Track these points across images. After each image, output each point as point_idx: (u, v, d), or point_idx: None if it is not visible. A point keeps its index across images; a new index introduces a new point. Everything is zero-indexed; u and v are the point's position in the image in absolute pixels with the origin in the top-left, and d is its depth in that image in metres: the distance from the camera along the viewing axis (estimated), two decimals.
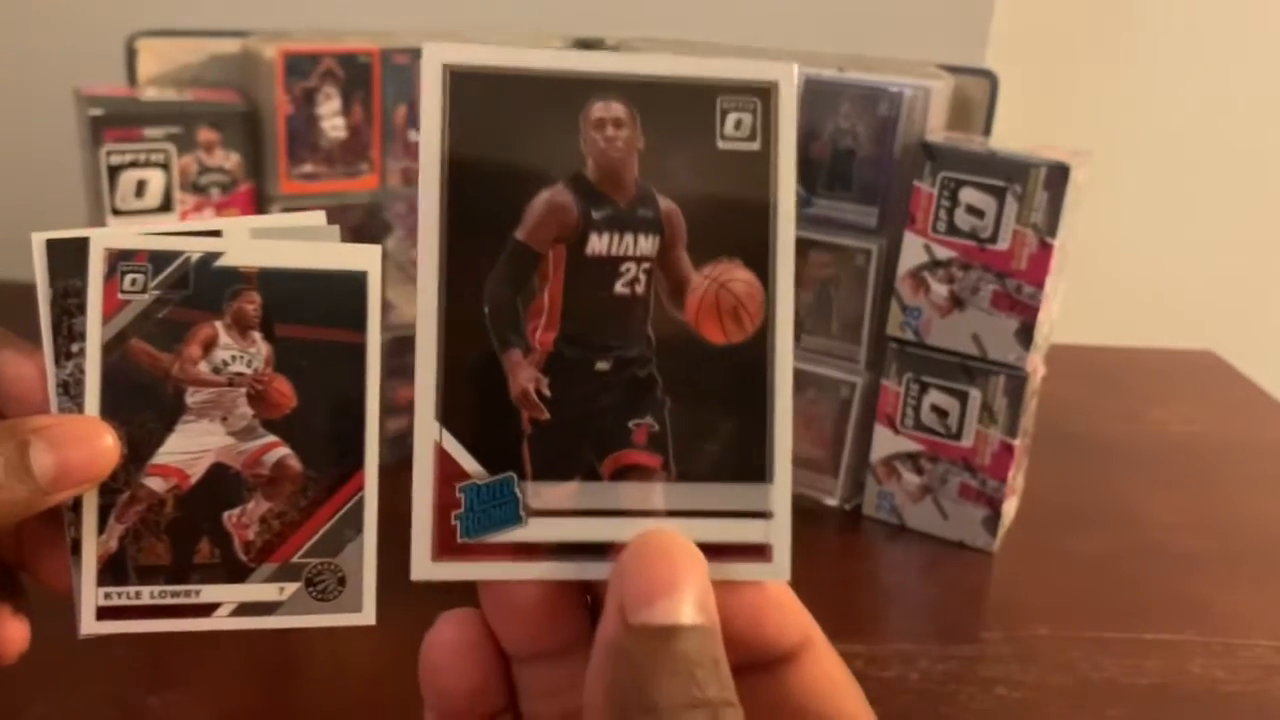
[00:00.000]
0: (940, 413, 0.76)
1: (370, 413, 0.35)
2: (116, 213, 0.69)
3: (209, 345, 0.34)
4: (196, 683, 0.59)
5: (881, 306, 0.77)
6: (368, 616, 0.38)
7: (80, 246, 0.33)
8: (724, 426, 0.25)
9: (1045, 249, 0.70)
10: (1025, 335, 0.72)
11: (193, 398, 0.35)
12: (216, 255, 0.34)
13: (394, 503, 0.85)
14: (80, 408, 0.34)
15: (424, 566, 0.27)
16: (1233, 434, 1.01)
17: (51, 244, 0.34)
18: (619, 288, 0.25)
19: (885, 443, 0.78)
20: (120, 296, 0.34)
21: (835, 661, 0.29)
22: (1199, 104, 1.30)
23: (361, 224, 0.77)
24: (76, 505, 0.34)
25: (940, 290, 0.74)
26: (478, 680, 0.29)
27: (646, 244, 0.25)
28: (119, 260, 0.34)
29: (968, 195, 0.71)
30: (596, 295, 0.25)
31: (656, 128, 0.24)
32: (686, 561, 0.24)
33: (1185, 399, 1.08)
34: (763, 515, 0.26)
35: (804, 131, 0.76)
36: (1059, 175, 0.69)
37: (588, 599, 0.28)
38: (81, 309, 0.34)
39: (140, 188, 0.70)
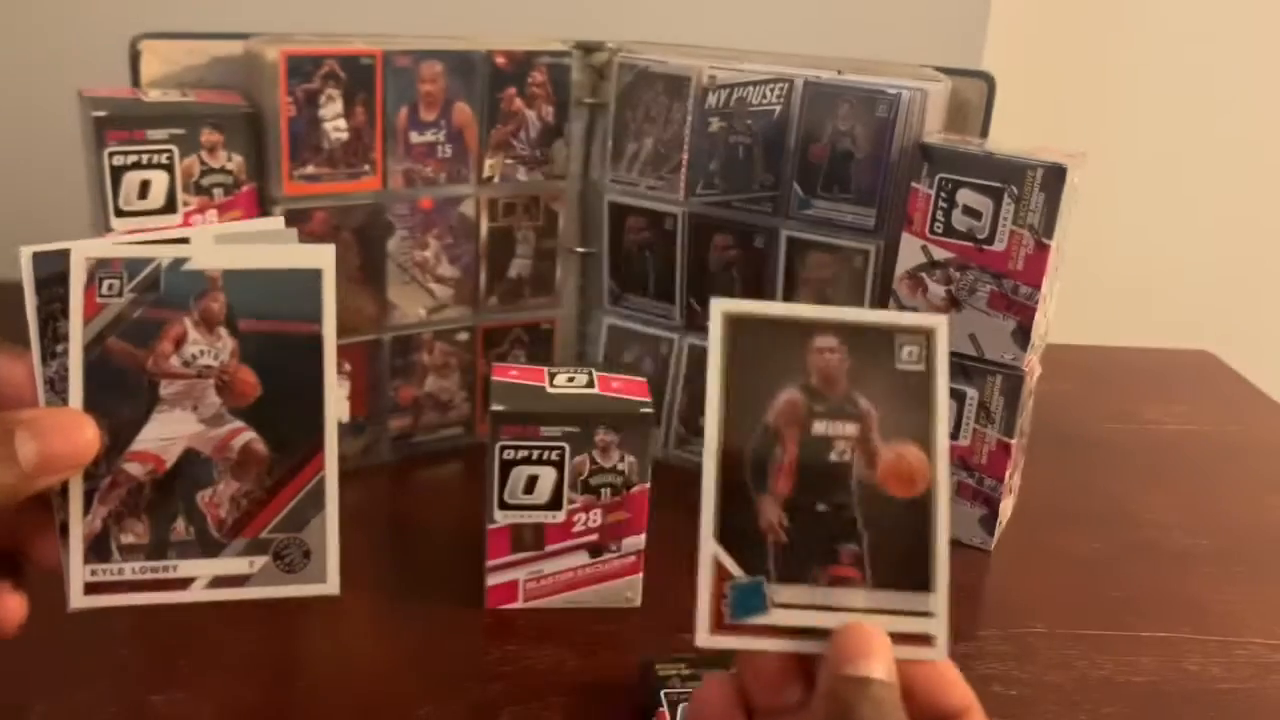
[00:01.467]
0: None
1: (328, 398, 0.39)
2: (120, 214, 0.69)
3: (179, 341, 0.38)
4: (198, 681, 0.60)
5: (879, 307, 0.77)
6: (332, 586, 0.41)
7: (62, 257, 0.37)
8: (903, 552, 0.36)
9: (1042, 250, 0.71)
10: (1022, 335, 0.73)
11: (166, 389, 0.38)
12: (184, 260, 0.38)
13: (399, 503, 0.85)
14: (65, 401, 0.37)
15: (705, 638, 0.36)
16: (1228, 433, 1.01)
17: (37, 255, 0.37)
18: (833, 456, 0.37)
19: None
20: (99, 300, 0.37)
21: None
22: (1194, 106, 1.30)
23: (363, 225, 0.78)
24: (64, 491, 0.37)
25: (937, 291, 0.74)
26: None
27: (851, 429, 0.36)
28: (97, 268, 0.37)
29: (965, 196, 0.72)
30: (819, 461, 0.36)
31: (858, 353, 0.37)
32: (879, 639, 0.35)
33: (1181, 399, 1.08)
34: (928, 615, 0.36)
35: (803, 133, 0.77)
36: (1055, 176, 0.69)
37: (810, 672, 0.37)
38: (65, 313, 0.37)
39: (143, 189, 0.70)
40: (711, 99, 0.79)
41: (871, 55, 0.78)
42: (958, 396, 0.75)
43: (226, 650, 0.62)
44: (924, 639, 0.36)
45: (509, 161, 0.83)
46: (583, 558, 0.67)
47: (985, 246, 0.72)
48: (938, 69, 0.76)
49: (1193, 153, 1.32)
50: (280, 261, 0.39)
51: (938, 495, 0.36)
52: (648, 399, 0.65)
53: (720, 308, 0.36)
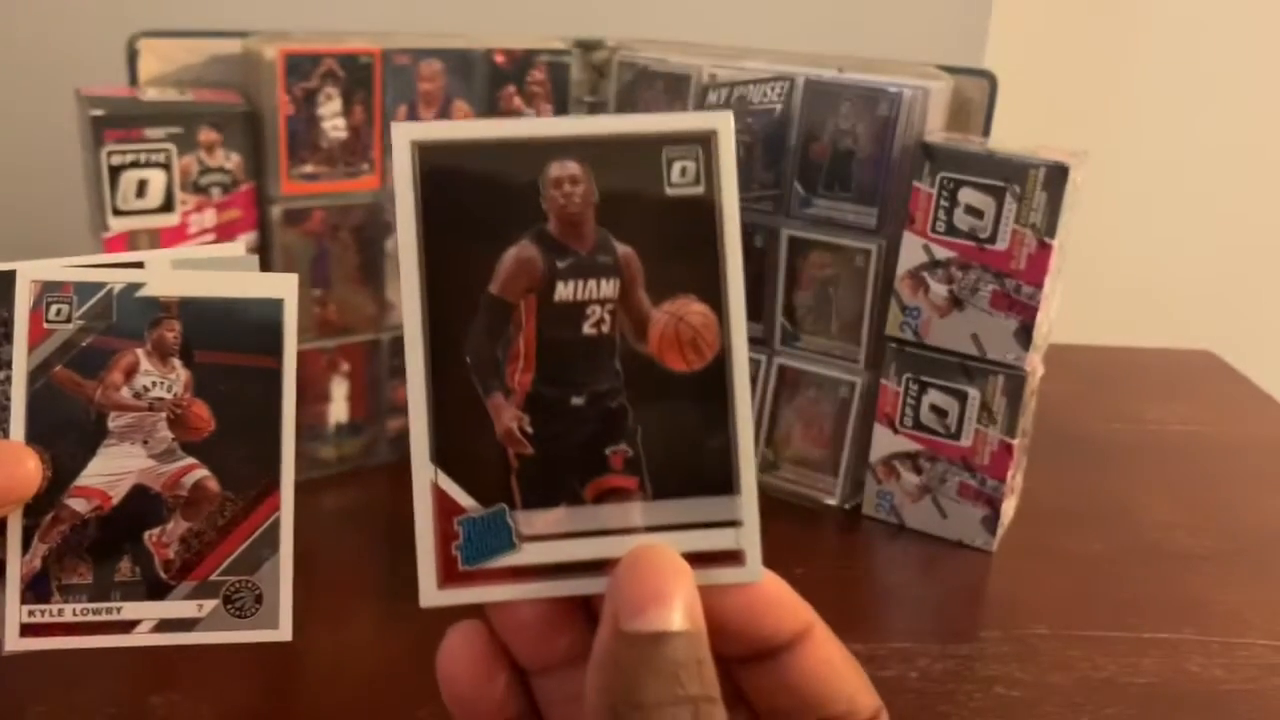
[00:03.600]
0: (939, 412, 0.76)
1: (286, 435, 0.37)
2: (117, 213, 0.69)
3: (130, 372, 0.36)
4: (197, 682, 0.59)
5: (881, 306, 0.77)
6: (284, 633, 0.38)
7: (8, 279, 0.35)
8: (691, 446, 0.28)
9: (1044, 249, 0.70)
10: (1024, 335, 0.72)
11: (115, 422, 0.36)
12: (139, 285, 0.36)
13: (399, 503, 0.85)
14: (6, 433, 0.35)
15: (431, 595, 0.28)
16: (1231, 433, 1.01)
17: None
18: (587, 329, 0.28)
19: (884, 442, 0.78)
20: (46, 326, 0.35)
21: (835, 647, 0.31)
22: (1197, 104, 1.30)
23: (362, 224, 0.78)
24: (1, 527, 0.35)
25: (939, 290, 0.74)
26: (490, 688, 0.30)
27: (608, 287, 0.27)
28: (45, 291, 0.35)
29: (967, 195, 0.72)
30: (567, 337, 0.28)
31: (609, 181, 0.27)
32: (674, 573, 0.27)
33: (1184, 399, 1.08)
34: (733, 524, 0.29)
35: (804, 132, 0.76)
36: (1058, 175, 0.69)
37: (588, 613, 0.29)
38: (8, 338, 0.35)
39: (141, 188, 0.70)
40: (712, 97, 0.79)
41: (873, 54, 0.78)
42: (959, 397, 0.75)
43: (225, 651, 0.62)
44: (731, 556, 0.28)
45: None
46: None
47: (987, 246, 0.72)
48: (939, 67, 0.76)
49: (1196, 152, 1.31)
50: (240, 290, 0.36)
51: (734, 362, 0.28)
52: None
53: (407, 135, 0.27)
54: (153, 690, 0.58)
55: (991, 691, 0.63)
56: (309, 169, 0.74)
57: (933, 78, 0.75)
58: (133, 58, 0.73)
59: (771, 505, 0.87)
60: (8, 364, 0.35)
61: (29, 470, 0.34)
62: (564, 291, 0.28)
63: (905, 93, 0.73)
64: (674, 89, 0.80)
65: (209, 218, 0.72)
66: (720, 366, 0.28)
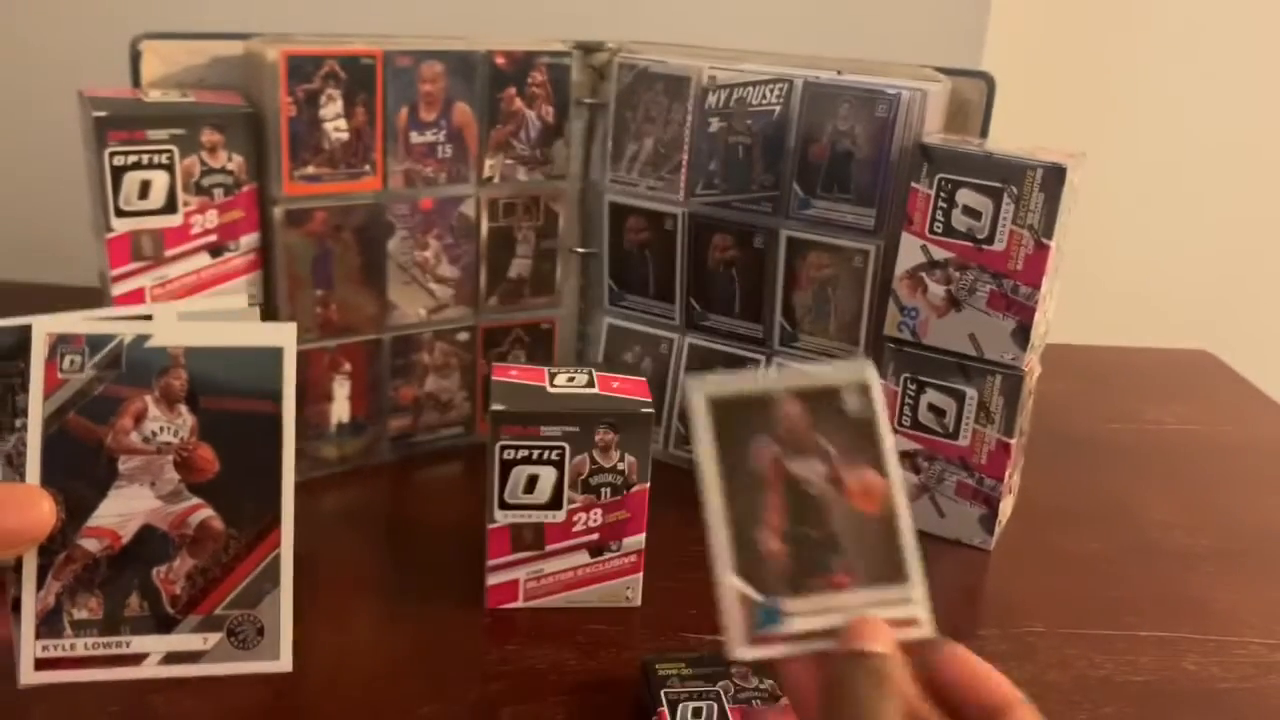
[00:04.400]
0: (937, 412, 0.76)
1: (286, 476, 0.39)
2: (120, 214, 0.69)
3: (139, 418, 0.38)
4: (199, 681, 0.59)
5: (879, 306, 0.77)
6: (284, 664, 0.41)
7: (24, 331, 0.37)
8: (879, 554, 0.43)
9: (1041, 250, 0.71)
10: (1021, 335, 0.73)
11: (124, 465, 0.38)
12: (147, 337, 0.38)
13: (399, 503, 0.85)
14: (23, 476, 0.37)
15: (741, 652, 0.41)
16: (1228, 433, 1.01)
17: None
18: (811, 490, 0.43)
19: None
20: (60, 375, 0.37)
21: None
22: (1194, 106, 1.30)
23: (364, 225, 0.78)
24: (18, 565, 0.37)
25: (937, 290, 0.74)
26: None
27: (821, 467, 0.43)
28: (59, 343, 0.37)
29: (964, 196, 0.72)
30: (800, 495, 0.43)
31: (817, 409, 0.43)
32: (874, 623, 0.41)
33: (1180, 398, 1.08)
34: (909, 601, 0.43)
35: (803, 134, 0.77)
36: (1055, 177, 0.69)
37: None
38: (24, 387, 0.37)
39: (144, 189, 0.70)
40: (711, 99, 0.79)
41: (871, 55, 0.78)
42: (957, 396, 0.75)
43: None
44: (911, 621, 0.42)
45: (509, 162, 0.83)
46: (583, 557, 0.67)
47: (985, 246, 0.72)
48: (937, 69, 0.76)
49: (1192, 152, 1.32)
50: (242, 340, 0.39)
51: (896, 504, 0.43)
52: (648, 398, 0.65)
53: (700, 391, 0.43)
54: (154, 689, 0.59)
55: None
56: (311, 170, 0.75)
57: (931, 79, 0.75)
58: (135, 59, 0.73)
59: None
60: (24, 412, 0.37)
61: (44, 512, 0.36)
62: (796, 469, 0.43)
63: (903, 94, 0.74)
64: (674, 90, 0.81)
65: (211, 218, 0.73)
66: (891, 506, 0.43)
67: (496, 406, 0.63)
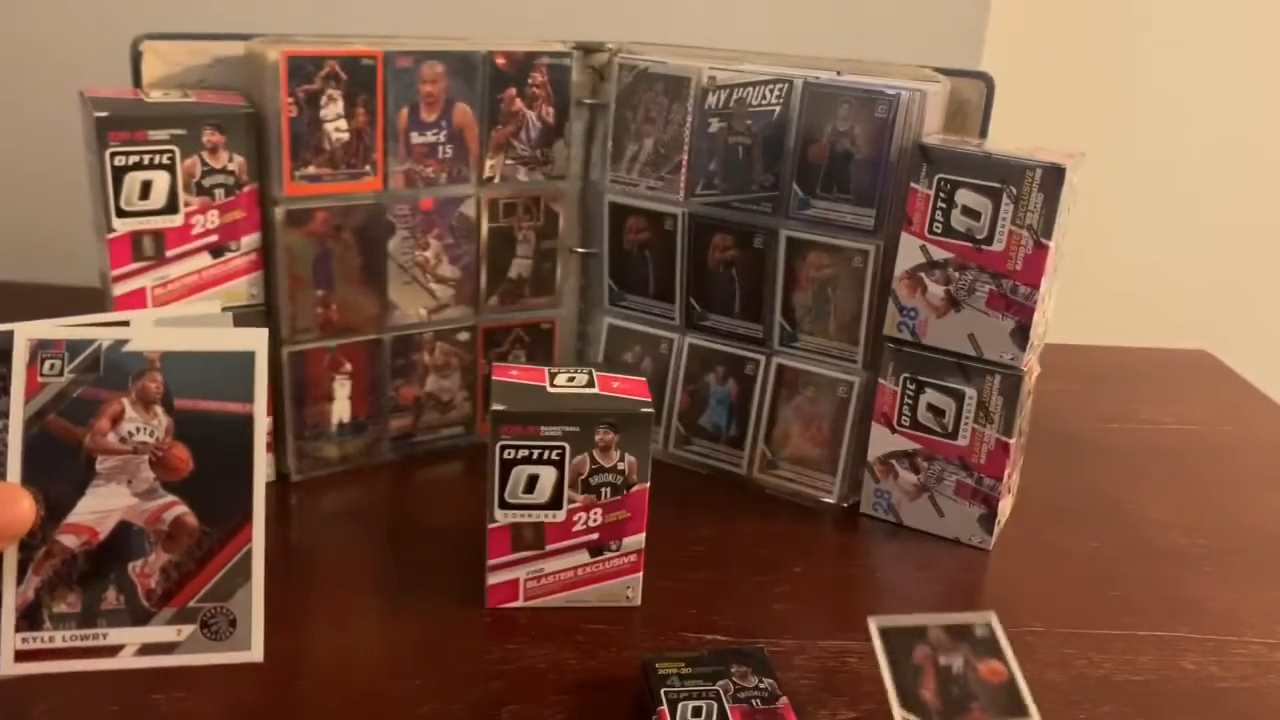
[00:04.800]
0: (936, 412, 0.77)
1: (258, 473, 0.41)
2: (121, 214, 0.70)
3: (117, 419, 0.40)
4: (199, 680, 0.60)
5: (879, 307, 0.77)
6: (255, 655, 0.43)
7: (6, 337, 0.39)
8: (1007, 710, 0.54)
9: (1040, 250, 0.71)
10: (1020, 335, 0.73)
11: (102, 464, 0.40)
12: (124, 342, 0.40)
13: (399, 503, 0.86)
14: (4, 475, 0.38)
15: None
16: (1226, 432, 1.01)
17: None
18: (955, 672, 0.56)
19: (882, 441, 0.79)
20: (40, 379, 0.39)
21: None
22: (1192, 106, 1.30)
23: (364, 225, 0.78)
24: None
25: (937, 291, 0.74)
26: None
27: (959, 660, 0.57)
28: (39, 348, 0.39)
29: (964, 197, 0.72)
30: (951, 680, 0.56)
31: (951, 638, 0.58)
32: None
33: (1179, 398, 1.08)
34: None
35: (802, 134, 0.77)
36: (1054, 177, 0.69)
37: None
38: (6, 390, 0.39)
39: (145, 189, 0.70)
40: (711, 99, 0.80)
41: (871, 56, 0.78)
42: (956, 396, 0.76)
43: None
44: None
45: (509, 162, 0.83)
46: (583, 557, 0.67)
47: (984, 246, 0.72)
48: (937, 69, 0.76)
49: (1191, 153, 1.32)
50: (216, 344, 0.40)
51: (1015, 676, 0.55)
52: (648, 399, 0.65)
53: (876, 624, 0.56)
54: (154, 688, 0.59)
55: None
56: (311, 170, 0.75)
57: (930, 80, 0.75)
58: (136, 60, 0.73)
59: (770, 503, 0.87)
60: (4, 414, 0.38)
61: (24, 509, 0.38)
62: (944, 661, 0.56)
63: (903, 95, 0.74)
64: (674, 91, 0.81)
65: (212, 219, 0.73)
66: (1010, 677, 0.55)
67: (497, 406, 0.63)
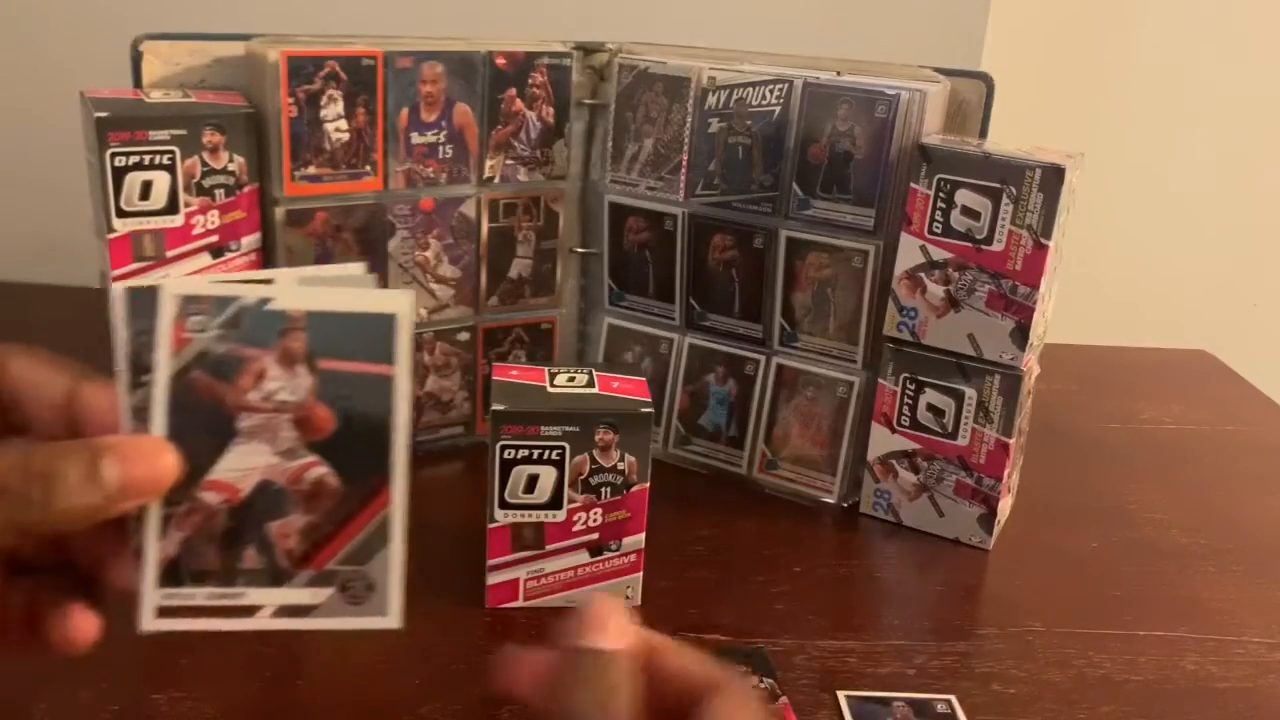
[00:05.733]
0: (936, 412, 0.77)
1: (399, 435, 0.40)
2: (121, 214, 0.70)
3: (259, 377, 0.39)
4: (199, 681, 0.60)
5: (878, 307, 0.77)
6: (393, 620, 0.42)
7: (153, 293, 0.39)
8: None
9: (1040, 250, 0.71)
10: (1020, 335, 0.73)
11: (244, 422, 0.39)
12: (268, 300, 0.39)
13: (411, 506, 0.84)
14: (148, 430, 0.38)
15: None
16: (1226, 432, 1.01)
17: (129, 290, 0.38)
18: None
19: (882, 441, 0.79)
20: (185, 335, 0.39)
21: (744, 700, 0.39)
22: (1192, 107, 1.30)
23: (364, 225, 0.78)
24: (141, 515, 0.38)
25: (936, 291, 0.74)
26: None
27: None
28: (185, 304, 0.39)
29: (963, 197, 0.72)
30: None
31: None
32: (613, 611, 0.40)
33: (1179, 398, 1.08)
34: None
35: (802, 134, 0.77)
36: (1054, 177, 0.69)
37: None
38: (152, 346, 0.38)
39: (145, 189, 0.70)
40: (711, 100, 0.80)
41: (870, 56, 0.78)
42: (956, 396, 0.76)
43: (228, 650, 0.62)
44: None
45: (509, 162, 0.83)
46: (583, 557, 0.67)
47: (984, 247, 0.72)
48: (937, 70, 0.76)
49: (1190, 153, 1.32)
50: (358, 305, 0.40)
51: None
52: (648, 399, 0.65)
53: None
54: (155, 688, 0.59)
55: (988, 689, 0.63)
56: (312, 171, 0.75)
57: (930, 80, 0.76)
58: (136, 60, 0.73)
59: (770, 503, 0.87)
60: (150, 369, 0.38)
61: (168, 464, 0.37)
62: None
63: (903, 95, 0.74)
64: (674, 91, 0.81)
65: (212, 219, 0.73)
66: None
67: (497, 406, 0.63)
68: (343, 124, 0.75)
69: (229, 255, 0.74)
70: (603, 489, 0.65)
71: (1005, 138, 0.75)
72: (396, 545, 0.40)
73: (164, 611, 0.39)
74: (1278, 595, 0.75)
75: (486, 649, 0.64)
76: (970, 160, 0.72)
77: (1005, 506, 0.79)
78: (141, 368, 0.38)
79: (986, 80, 0.76)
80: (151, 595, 0.39)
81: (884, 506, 0.80)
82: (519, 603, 0.67)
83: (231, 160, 0.73)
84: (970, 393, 0.75)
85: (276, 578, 0.40)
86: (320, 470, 0.40)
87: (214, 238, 0.73)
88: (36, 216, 1.13)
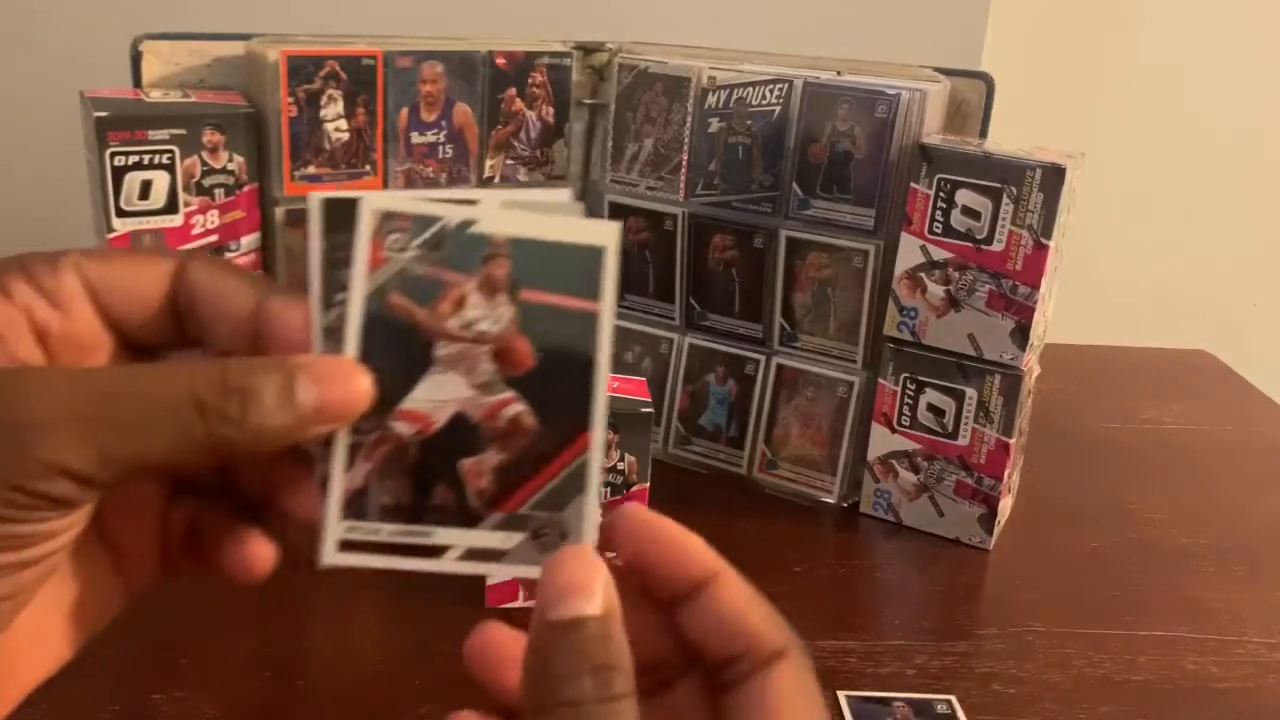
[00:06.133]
0: (936, 412, 0.77)
1: (600, 378, 0.37)
2: (121, 214, 0.69)
3: (459, 304, 0.36)
4: (199, 680, 0.60)
5: (879, 307, 0.77)
6: None
7: (351, 206, 0.35)
8: None
9: (1040, 250, 0.71)
10: (1020, 335, 0.73)
11: (441, 351, 0.36)
12: (471, 222, 0.36)
13: None
14: (340, 351, 0.35)
15: None
16: (1226, 432, 1.01)
17: (327, 202, 0.35)
18: None
19: (882, 441, 0.79)
20: (383, 253, 0.35)
21: (740, 589, 0.38)
22: (1192, 106, 1.30)
23: None
24: (328, 442, 0.35)
25: (936, 291, 0.74)
26: None
27: None
28: (385, 220, 0.35)
29: (964, 197, 0.72)
30: None
31: None
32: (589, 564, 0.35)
33: (1179, 397, 1.08)
34: None
35: (802, 134, 0.77)
36: (1054, 177, 0.69)
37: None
38: (347, 262, 0.35)
39: (144, 189, 0.70)
40: (711, 99, 0.80)
41: (871, 56, 0.78)
42: (956, 396, 0.76)
43: (227, 649, 0.62)
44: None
45: (509, 162, 0.83)
46: None
47: (984, 246, 0.72)
48: (937, 69, 0.76)
49: (1191, 153, 1.32)
50: (565, 235, 0.37)
51: None
52: (648, 399, 0.65)
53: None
54: (154, 688, 0.59)
55: (988, 689, 0.63)
56: (312, 170, 0.75)
57: (930, 80, 0.75)
58: (136, 60, 0.73)
59: (770, 503, 0.87)
60: (345, 287, 0.35)
61: (361, 387, 0.35)
62: None
63: (903, 95, 0.74)
64: (674, 91, 0.81)
65: (212, 218, 0.73)
66: None
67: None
68: (342, 124, 0.75)
69: (229, 255, 0.74)
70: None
71: (1005, 138, 0.75)
72: (593, 495, 0.37)
73: (347, 545, 0.37)
74: (1278, 595, 0.75)
75: None
76: (970, 160, 0.72)
77: (1005, 506, 0.79)
78: (336, 285, 0.35)
79: (986, 80, 0.76)
80: (335, 528, 0.36)
81: (884, 506, 0.80)
82: (519, 603, 0.67)
83: (231, 160, 0.73)
84: (970, 393, 0.75)
85: (467, 518, 0.37)
86: (518, 407, 0.37)
87: (213, 237, 0.73)
88: (36, 216, 1.13)
